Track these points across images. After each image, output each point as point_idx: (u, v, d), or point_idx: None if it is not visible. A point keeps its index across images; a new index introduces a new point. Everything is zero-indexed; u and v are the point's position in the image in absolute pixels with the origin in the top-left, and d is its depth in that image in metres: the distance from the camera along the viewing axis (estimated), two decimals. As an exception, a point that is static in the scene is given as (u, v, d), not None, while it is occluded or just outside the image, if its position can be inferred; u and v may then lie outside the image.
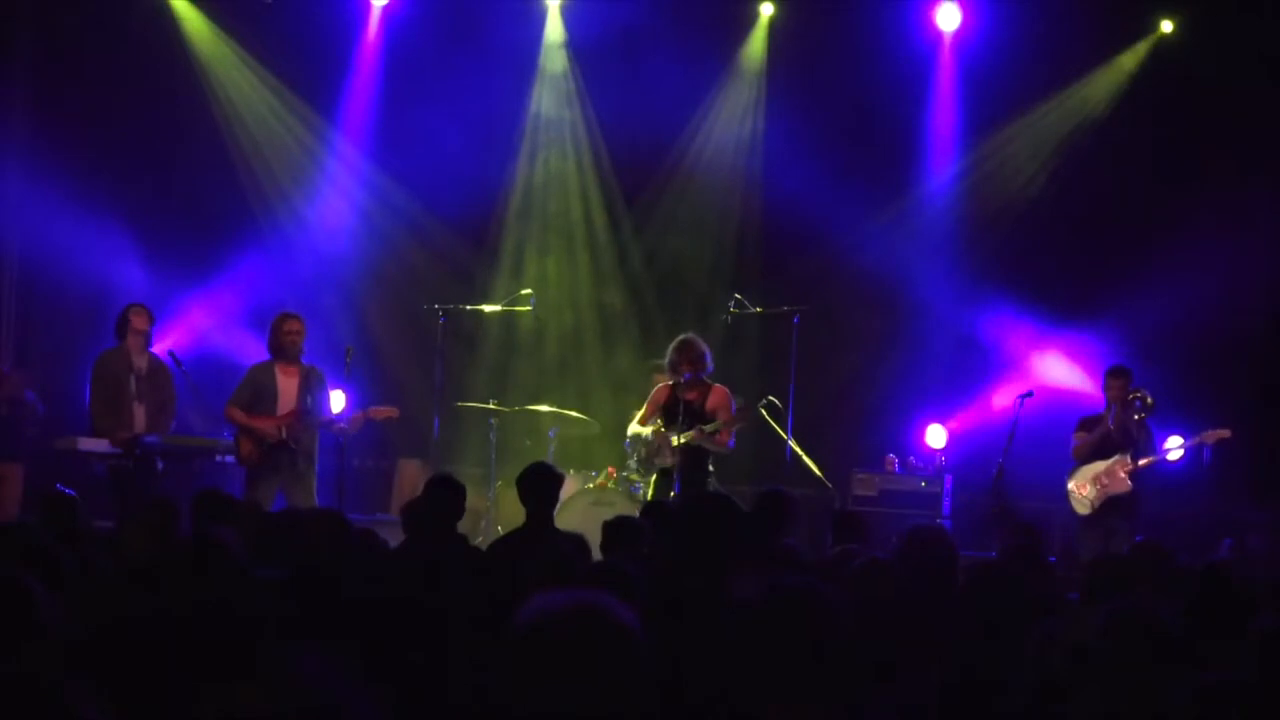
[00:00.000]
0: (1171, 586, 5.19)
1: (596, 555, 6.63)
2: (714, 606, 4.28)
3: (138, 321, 10.48)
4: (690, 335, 10.47)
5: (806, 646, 3.03)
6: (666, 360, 10.40)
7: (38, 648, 3.35)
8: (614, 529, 6.45)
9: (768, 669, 3.04)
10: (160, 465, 10.21)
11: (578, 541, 6.50)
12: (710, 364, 10.32)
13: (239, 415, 10.21)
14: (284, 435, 10.11)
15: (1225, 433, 10.54)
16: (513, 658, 2.57)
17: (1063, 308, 12.70)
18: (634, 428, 10.57)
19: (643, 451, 10.44)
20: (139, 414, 10.38)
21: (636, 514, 9.03)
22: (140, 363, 10.50)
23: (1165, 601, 4.36)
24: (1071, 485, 10.68)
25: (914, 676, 3.66)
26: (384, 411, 10.62)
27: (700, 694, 3.58)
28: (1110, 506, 10.46)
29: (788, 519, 6.34)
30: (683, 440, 10.06)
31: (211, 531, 4.72)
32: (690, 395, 10.20)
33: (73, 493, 6.79)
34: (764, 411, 10.74)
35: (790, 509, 6.42)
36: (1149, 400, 10.33)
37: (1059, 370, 12.71)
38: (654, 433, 10.34)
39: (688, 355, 10.23)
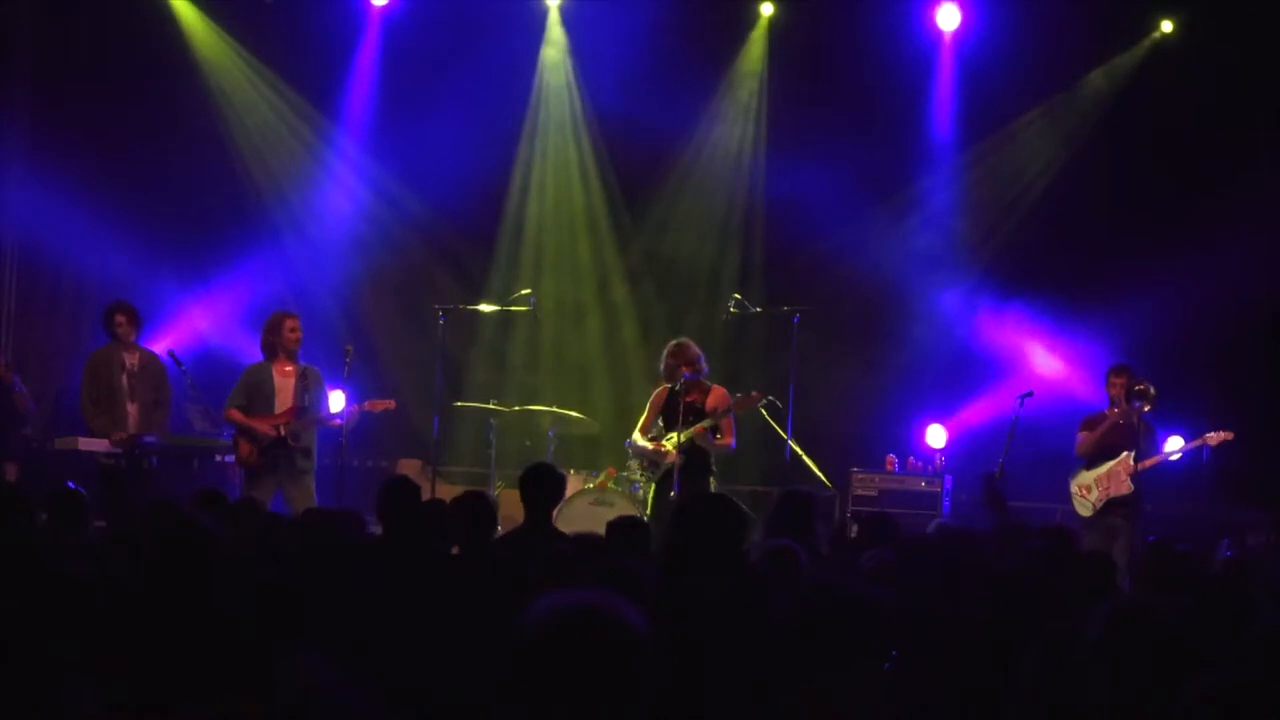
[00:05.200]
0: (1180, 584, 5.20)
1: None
2: (716, 607, 4.27)
3: (119, 326, 10.52)
4: (684, 339, 10.51)
5: (844, 647, 3.03)
6: (662, 365, 10.42)
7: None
8: (618, 530, 6.43)
9: (802, 665, 3.04)
10: (154, 463, 10.21)
11: (586, 541, 6.49)
12: (705, 365, 10.35)
13: (238, 417, 10.22)
14: (283, 433, 10.12)
15: (1228, 435, 10.54)
16: (520, 659, 2.57)
17: (1063, 307, 12.69)
18: (635, 436, 10.58)
19: (644, 460, 10.46)
20: (132, 411, 10.40)
21: (637, 514, 9.06)
22: (131, 359, 10.54)
23: (1169, 599, 4.35)
24: (1074, 486, 10.68)
25: (931, 674, 3.66)
26: (381, 404, 10.63)
27: (704, 693, 3.58)
28: (1112, 507, 10.46)
29: (810, 519, 6.32)
30: (682, 439, 10.06)
31: (206, 530, 4.69)
32: (691, 397, 10.20)
33: (82, 490, 6.79)
34: (764, 411, 10.73)
35: (812, 509, 6.41)
36: (1152, 392, 10.32)
37: (1059, 370, 12.70)
38: (648, 449, 10.36)
39: (685, 357, 10.26)
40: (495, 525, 6.60)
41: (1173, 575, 5.36)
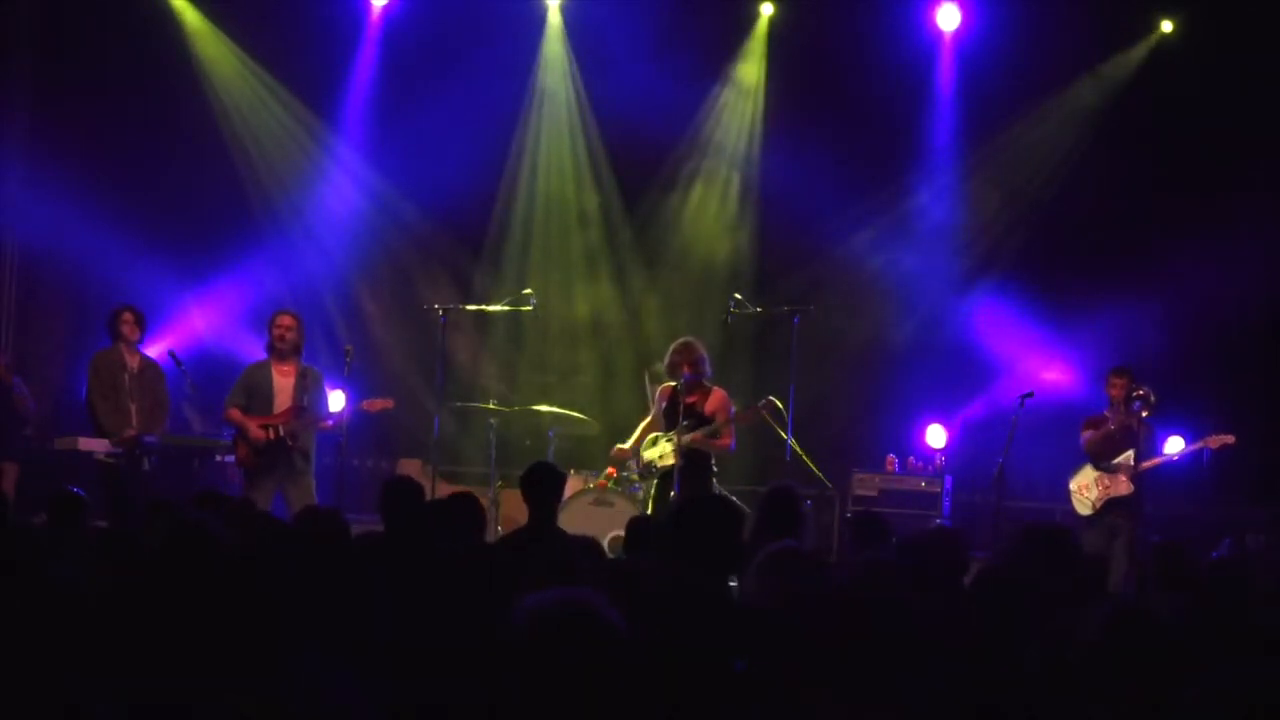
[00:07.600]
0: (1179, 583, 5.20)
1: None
2: (715, 607, 4.27)
3: (126, 326, 10.56)
4: (689, 338, 10.51)
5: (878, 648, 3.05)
6: (665, 362, 10.43)
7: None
8: (635, 529, 6.46)
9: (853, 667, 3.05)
10: (147, 464, 10.23)
11: (588, 543, 6.49)
12: (708, 368, 10.35)
13: (237, 417, 10.22)
14: (279, 434, 10.11)
15: (1229, 438, 10.54)
16: (504, 656, 2.59)
17: (1063, 308, 12.69)
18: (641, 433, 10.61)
19: (638, 463, 10.47)
20: (133, 412, 10.43)
21: (635, 514, 9.06)
22: (133, 362, 10.59)
23: (1169, 598, 4.36)
24: (1074, 485, 10.69)
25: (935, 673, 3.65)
26: (379, 403, 10.63)
27: (702, 693, 3.58)
28: (1112, 507, 10.47)
29: (797, 517, 6.27)
30: (682, 441, 10.07)
31: (206, 530, 4.69)
32: (691, 398, 10.21)
33: (81, 491, 6.80)
34: (764, 412, 10.73)
35: (799, 507, 6.36)
36: (1151, 398, 10.34)
37: (1059, 370, 12.70)
38: (632, 447, 10.41)
39: (688, 357, 10.26)
40: (483, 525, 6.58)
41: (1183, 575, 5.35)
